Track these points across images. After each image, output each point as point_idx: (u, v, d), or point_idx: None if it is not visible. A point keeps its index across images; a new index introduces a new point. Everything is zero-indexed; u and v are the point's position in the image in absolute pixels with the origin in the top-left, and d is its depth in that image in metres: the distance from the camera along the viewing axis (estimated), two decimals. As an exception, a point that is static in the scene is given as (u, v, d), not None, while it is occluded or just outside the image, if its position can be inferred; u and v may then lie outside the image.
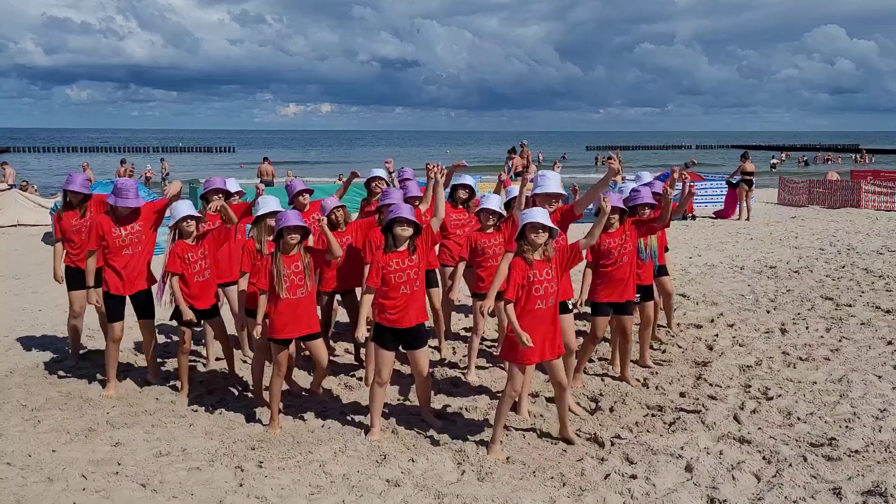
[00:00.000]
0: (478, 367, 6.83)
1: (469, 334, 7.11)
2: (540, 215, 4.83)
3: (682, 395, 6.16)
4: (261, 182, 16.57)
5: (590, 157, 63.88)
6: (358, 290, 6.87)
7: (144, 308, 6.45)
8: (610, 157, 5.52)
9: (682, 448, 5.01)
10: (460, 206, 7.27)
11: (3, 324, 8.75)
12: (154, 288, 6.54)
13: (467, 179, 7.36)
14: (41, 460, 4.91)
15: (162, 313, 7.10)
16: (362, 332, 5.23)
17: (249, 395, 6.34)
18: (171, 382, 6.61)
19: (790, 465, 4.68)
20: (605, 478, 4.63)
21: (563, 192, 5.73)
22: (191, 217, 6.09)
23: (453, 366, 7.09)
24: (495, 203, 6.38)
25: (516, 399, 5.39)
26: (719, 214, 19.30)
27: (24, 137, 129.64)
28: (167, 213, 6.31)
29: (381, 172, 7.33)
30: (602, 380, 6.62)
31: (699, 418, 5.53)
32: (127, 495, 4.43)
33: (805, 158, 60.55)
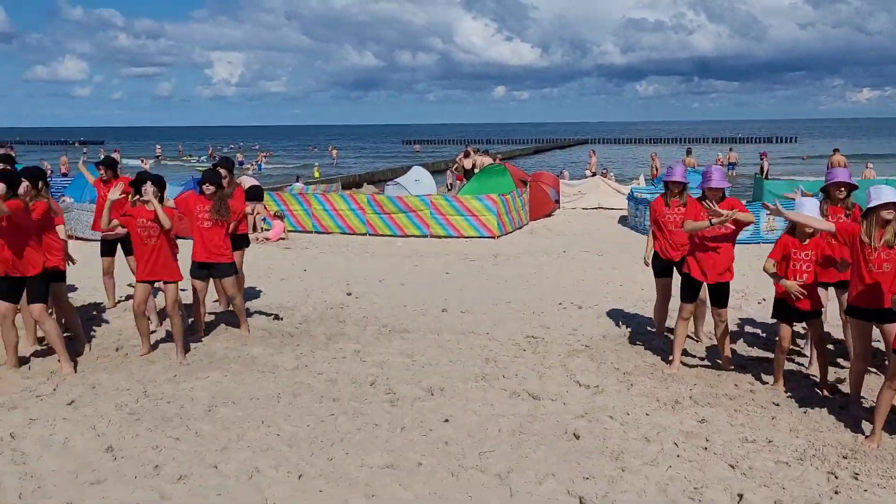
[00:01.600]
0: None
1: None
2: None
3: None
4: None
5: None
6: None
7: (719, 297, 6.57)
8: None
9: None
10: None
11: (593, 293, 9.90)
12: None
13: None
14: (637, 420, 5.43)
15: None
16: None
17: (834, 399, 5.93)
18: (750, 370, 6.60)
19: None
20: None
21: None
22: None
23: None
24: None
25: None
26: None
27: (600, 130, 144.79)
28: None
29: None
30: None
31: None
32: (718, 472, 4.58)
33: None
